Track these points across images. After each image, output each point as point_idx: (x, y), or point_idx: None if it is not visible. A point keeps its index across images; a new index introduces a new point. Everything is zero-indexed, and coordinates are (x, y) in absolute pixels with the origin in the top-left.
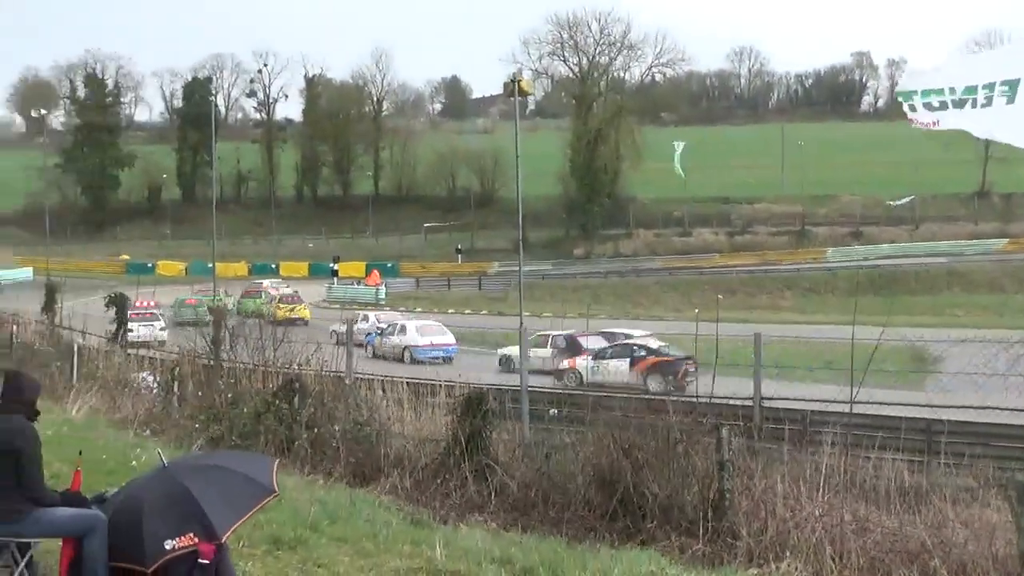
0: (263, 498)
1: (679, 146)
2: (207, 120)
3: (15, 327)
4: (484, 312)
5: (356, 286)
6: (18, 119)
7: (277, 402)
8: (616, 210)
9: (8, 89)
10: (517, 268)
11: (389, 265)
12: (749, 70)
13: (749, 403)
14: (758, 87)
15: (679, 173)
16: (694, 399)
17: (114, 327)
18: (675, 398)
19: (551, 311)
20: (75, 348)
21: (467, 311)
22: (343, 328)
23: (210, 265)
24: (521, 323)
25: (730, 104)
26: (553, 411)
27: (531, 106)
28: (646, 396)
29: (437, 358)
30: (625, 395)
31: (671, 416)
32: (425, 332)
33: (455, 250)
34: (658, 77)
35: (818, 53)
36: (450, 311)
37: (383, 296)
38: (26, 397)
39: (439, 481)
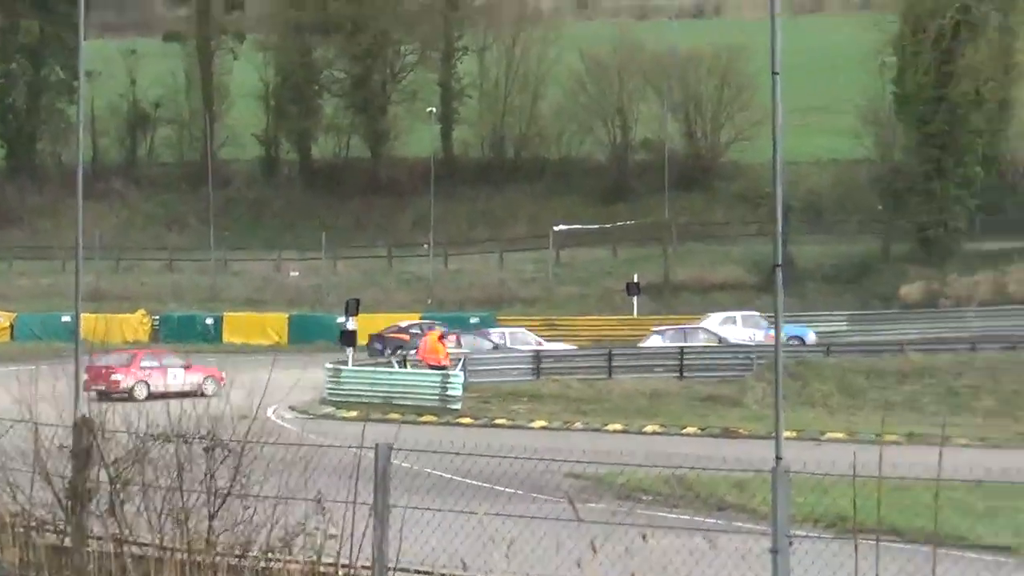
0: None
1: None
2: None
3: None
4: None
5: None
6: None
7: None
8: (1003, 195)
9: None
10: (773, 338)
11: (474, 320)
12: None
13: None
14: None
15: None
16: None
17: None
18: None
19: (839, 427)
20: None
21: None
22: None
23: (66, 319)
24: (778, 460)
25: None
26: None
27: None
28: None
29: None
30: None
31: None
32: None
33: (627, 287)
34: None
35: None
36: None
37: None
38: None
39: None
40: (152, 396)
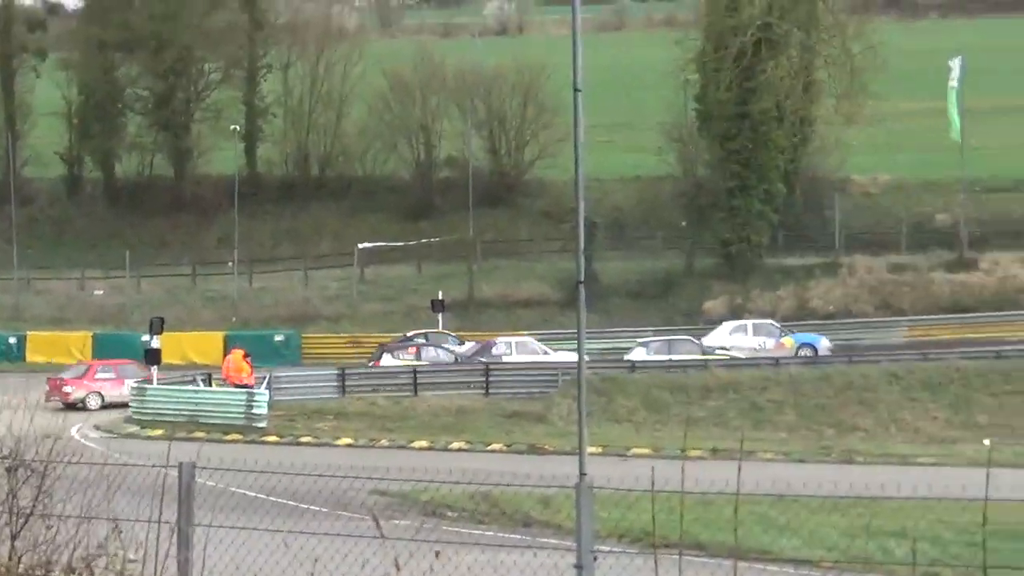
0: None
1: (954, 69)
2: None
3: None
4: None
5: None
6: None
7: None
8: (804, 211)
9: None
10: (576, 360)
11: (279, 338)
12: None
13: None
14: None
15: (953, 135)
16: None
17: None
18: None
19: (644, 443)
20: None
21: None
22: None
23: None
24: (582, 487)
25: None
26: None
27: None
28: None
29: None
30: None
31: None
32: None
33: (431, 304)
34: None
35: None
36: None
37: None
38: None
39: None
40: (109, 406)
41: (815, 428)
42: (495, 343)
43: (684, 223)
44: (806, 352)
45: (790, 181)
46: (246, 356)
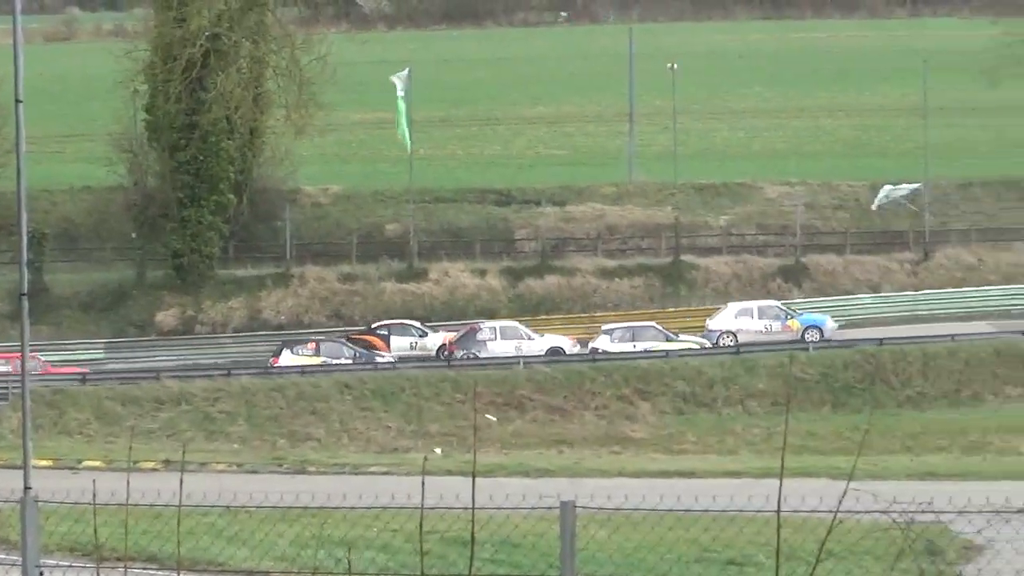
0: None
1: (400, 80)
2: None
3: None
4: None
5: None
6: None
7: None
8: (255, 222)
9: None
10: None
11: None
12: None
13: None
14: None
15: (402, 138)
16: None
17: None
18: None
19: (97, 455)
20: None
21: None
22: None
23: None
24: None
25: None
26: None
27: None
28: None
29: None
30: None
31: None
32: None
33: None
34: None
35: None
36: None
37: None
38: None
39: None
40: None
41: (268, 439)
42: (480, 328)
43: (135, 234)
44: (812, 335)
45: (241, 192)
46: None
